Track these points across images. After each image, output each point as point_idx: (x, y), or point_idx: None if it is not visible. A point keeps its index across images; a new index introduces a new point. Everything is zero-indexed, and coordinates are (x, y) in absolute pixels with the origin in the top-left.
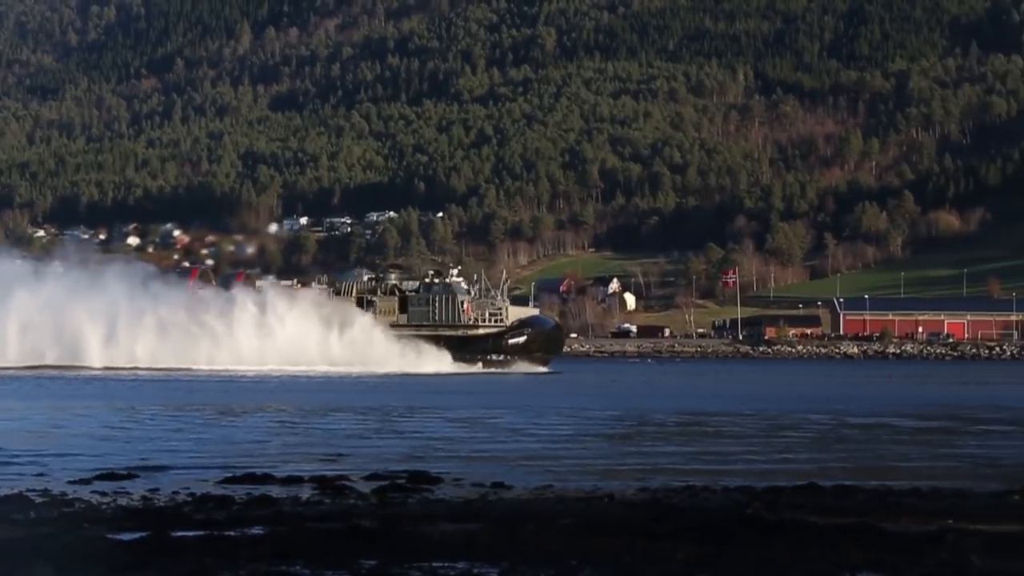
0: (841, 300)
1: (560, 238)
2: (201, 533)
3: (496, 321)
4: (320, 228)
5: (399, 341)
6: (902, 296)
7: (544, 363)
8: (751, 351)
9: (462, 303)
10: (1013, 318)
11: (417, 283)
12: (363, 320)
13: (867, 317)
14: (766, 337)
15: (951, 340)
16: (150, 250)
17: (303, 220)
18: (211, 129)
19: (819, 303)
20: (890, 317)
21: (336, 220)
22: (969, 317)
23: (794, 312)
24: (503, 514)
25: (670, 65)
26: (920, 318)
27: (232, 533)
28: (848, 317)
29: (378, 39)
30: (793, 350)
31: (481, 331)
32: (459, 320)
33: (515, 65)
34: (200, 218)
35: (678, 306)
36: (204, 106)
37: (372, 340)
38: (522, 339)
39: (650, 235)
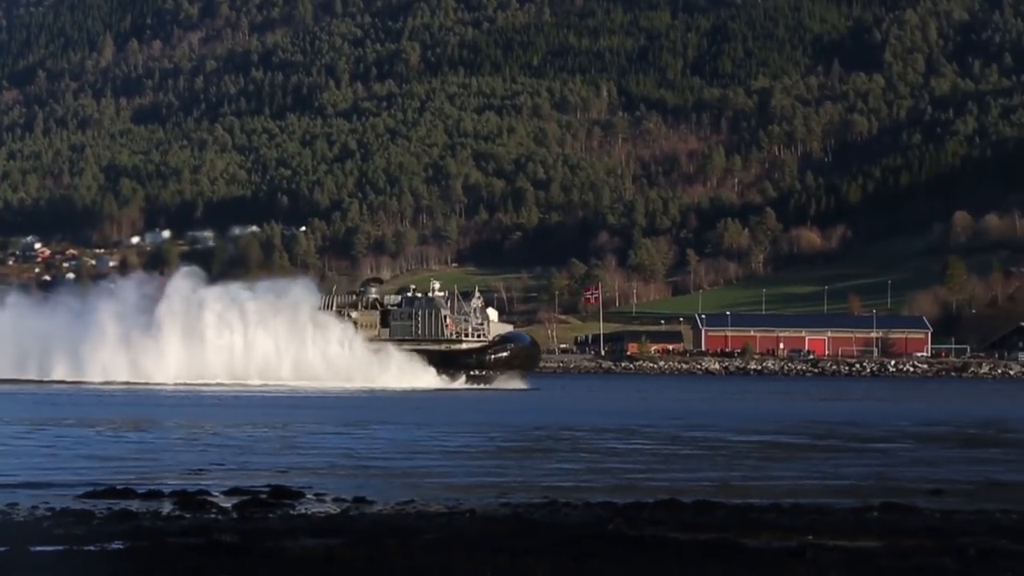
0: (703, 316)
1: (423, 253)
2: (60, 548)
3: (479, 336)
4: (182, 241)
5: (388, 356)
6: (763, 313)
7: (522, 378)
8: (613, 367)
9: (444, 317)
10: (872, 335)
11: (399, 297)
12: (347, 335)
13: (728, 333)
14: (628, 353)
15: (812, 356)
16: (10, 263)
17: (165, 234)
18: (73, 142)
19: (681, 319)
20: (751, 333)
21: (198, 233)
22: (829, 334)
23: (656, 328)
24: (364, 529)
25: (534, 81)
26: (781, 334)
27: (91, 548)
28: (710, 333)
29: (242, 52)
30: (655, 366)
31: (465, 346)
32: (442, 334)
33: (379, 80)
34: (61, 231)
35: (540, 321)
36: (66, 118)
37: (358, 355)
38: (505, 354)
39: (513, 250)
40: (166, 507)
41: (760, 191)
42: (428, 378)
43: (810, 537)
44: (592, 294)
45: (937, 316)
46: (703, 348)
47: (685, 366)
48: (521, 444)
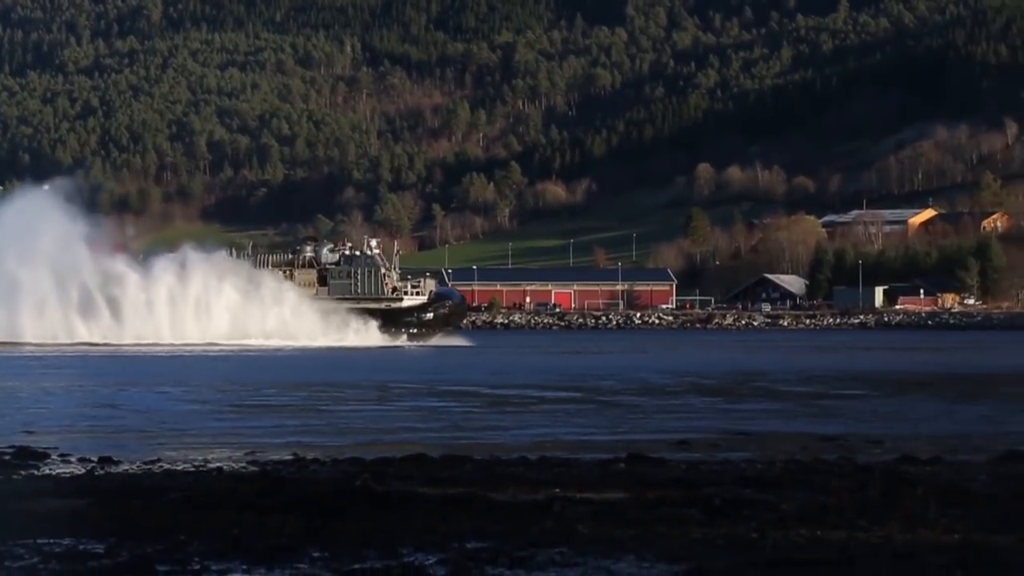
0: (449, 271)
1: (168, 210)
2: None
3: (418, 293)
4: None
5: (332, 314)
6: (510, 267)
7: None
8: None
9: (384, 275)
10: (618, 288)
11: (336, 255)
12: (292, 293)
13: (475, 288)
14: None
15: (558, 310)
16: None
17: None
18: None
19: (428, 274)
20: (498, 287)
21: None
22: (575, 287)
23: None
24: (110, 489)
25: (277, 37)
26: (528, 288)
27: None
28: (456, 288)
29: None
30: None
31: (406, 303)
32: (383, 292)
33: (121, 36)
34: None
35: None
36: None
37: (302, 313)
38: (444, 311)
39: (258, 207)
40: None
41: (505, 145)
42: (373, 336)
43: (557, 490)
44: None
45: (681, 268)
46: None
47: None
48: (291, 400)
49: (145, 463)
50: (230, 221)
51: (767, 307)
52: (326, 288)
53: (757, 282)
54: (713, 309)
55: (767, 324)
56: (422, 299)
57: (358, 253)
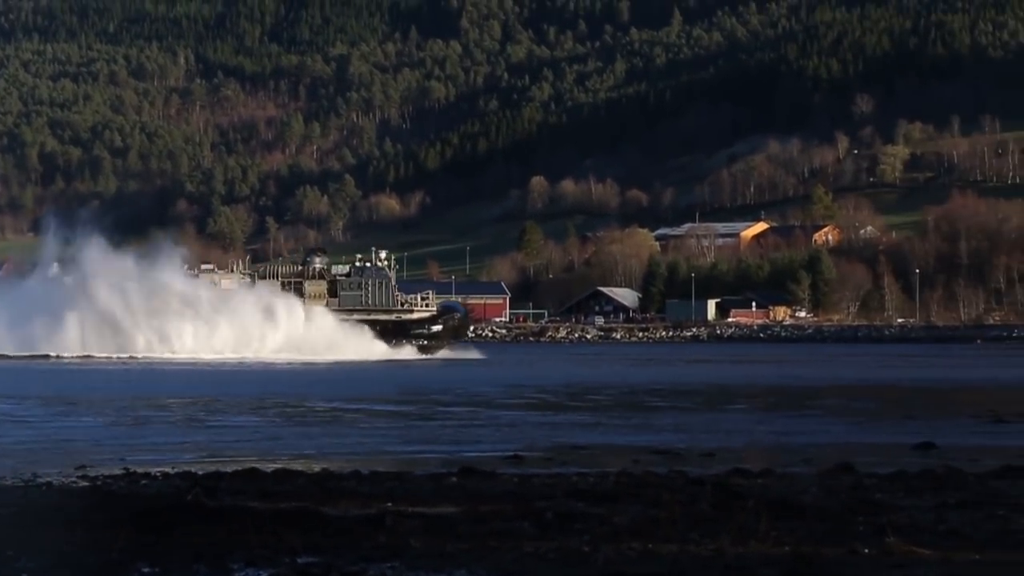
0: None
1: None
2: None
3: (426, 305)
4: None
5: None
6: None
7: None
8: None
9: (395, 287)
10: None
11: (347, 267)
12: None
13: None
14: None
15: None
16: None
17: None
18: None
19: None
20: None
21: None
22: None
23: None
24: None
25: (110, 48)
26: None
27: None
28: None
29: None
30: None
31: (415, 316)
32: (393, 304)
33: None
34: None
35: None
36: None
37: (326, 327)
38: (454, 323)
39: (91, 219)
40: None
41: (339, 158)
42: (380, 348)
43: (390, 504)
44: None
45: (515, 281)
46: None
47: None
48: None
49: None
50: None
51: (600, 320)
52: (336, 299)
53: (590, 295)
54: (546, 322)
55: (600, 337)
56: (431, 311)
57: (368, 265)
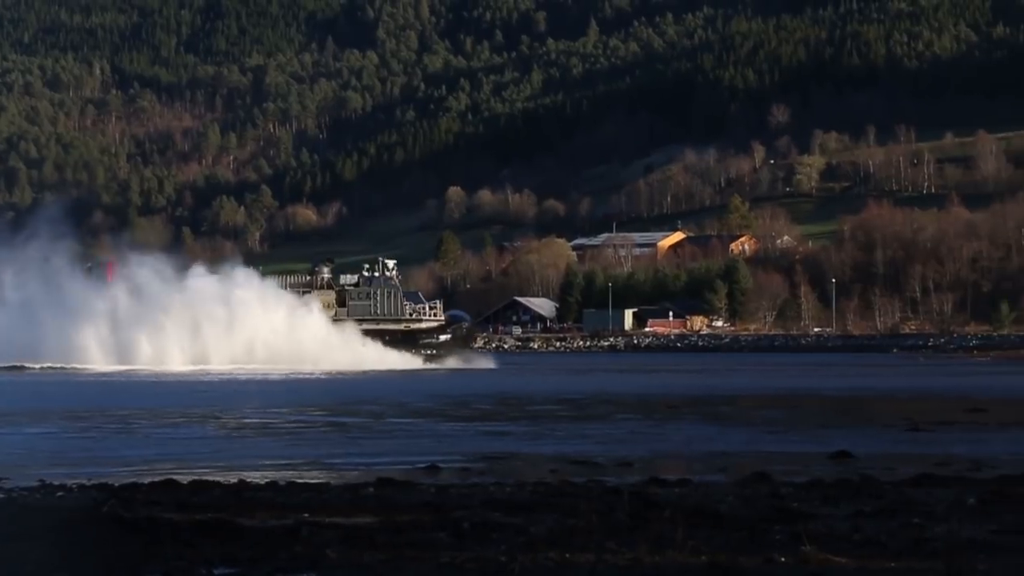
0: None
1: None
2: None
3: (434, 314)
4: None
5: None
6: None
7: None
8: None
9: (403, 296)
10: None
11: (355, 277)
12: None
13: None
14: None
15: None
16: None
17: None
18: None
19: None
20: None
21: None
22: None
23: None
24: None
25: (25, 59)
26: None
27: None
28: None
29: None
30: None
31: (424, 325)
32: (402, 313)
33: None
34: None
35: None
36: None
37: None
38: (462, 332)
39: (5, 231)
40: None
41: (255, 169)
42: (393, 358)
43: (306, 515)
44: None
45: (433, 291)
46: None
47: None
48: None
49: None
50: None
51: (518, 330)
52: (345, 309)
53: (507, 305)
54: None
55: (518, 347)
56: (440, 320)
57: (376, 274)
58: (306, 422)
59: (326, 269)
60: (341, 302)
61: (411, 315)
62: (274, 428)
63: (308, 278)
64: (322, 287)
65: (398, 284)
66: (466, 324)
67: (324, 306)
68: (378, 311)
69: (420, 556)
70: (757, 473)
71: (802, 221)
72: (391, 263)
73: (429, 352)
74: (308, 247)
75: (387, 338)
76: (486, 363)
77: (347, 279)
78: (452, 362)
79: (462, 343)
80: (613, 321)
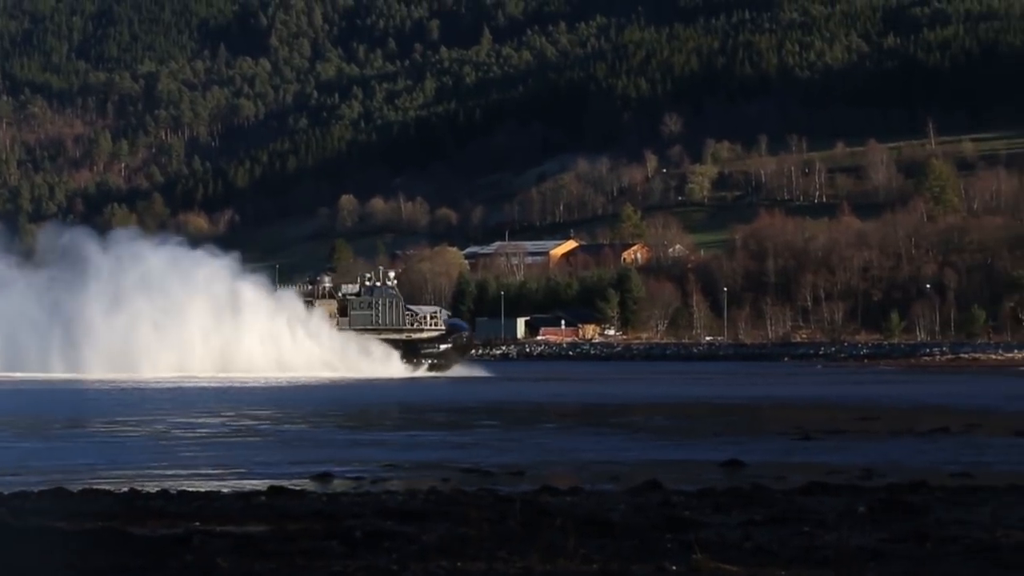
0: None
1: None
2: None
3: (435, 324)
4: None
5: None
6: None
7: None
8: None
9: (405, 306)
10: None
11: (356, 287)
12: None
13: None
14: None
15: None
16: None
17: None
18: None
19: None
20: None
21: None
22: None
23: None
24: None
25: None
26: None
27: None
28: None
29: None
30: None
31: (425, 334)
32: (403, 323)
33: None
34: None
35: None
36: None
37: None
38: (463, 341)
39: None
40: None
41: (147, 176)
42: (396, 367)
43: (197, 523)
44: None
45: None
46: None
47: None
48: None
49: None
50: None
51: None
52: (347, 319)
53: None
54: None
55: None
56: (440, 330)
57: (377, 284)
58: (183, 427)
59: (327, 279)
60: (343, 311)
61: (412, 324)
62: (154, 433)
63: (310, 287)
64: (324, 296)
65: (399, 294)
66: (466, 333)
67: (326, 315)
68: (379, 321)
69: (311, 565)
70: (649, 482)
71: (694, 230)
72: (392, 273)
73: (431, 361)
74: None
75: (390, 347)
76: (483, 372)
77: (348, 289)
78: (454, 371)
79: (462, 352)
80: (505, 330)
